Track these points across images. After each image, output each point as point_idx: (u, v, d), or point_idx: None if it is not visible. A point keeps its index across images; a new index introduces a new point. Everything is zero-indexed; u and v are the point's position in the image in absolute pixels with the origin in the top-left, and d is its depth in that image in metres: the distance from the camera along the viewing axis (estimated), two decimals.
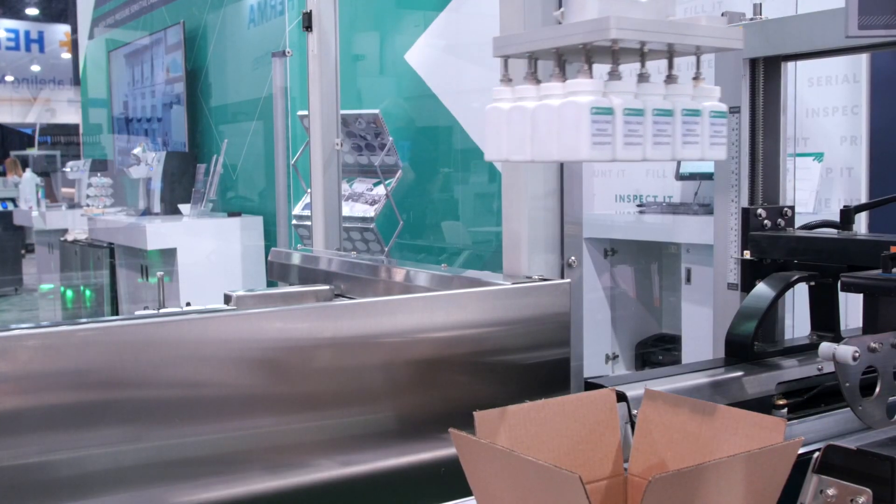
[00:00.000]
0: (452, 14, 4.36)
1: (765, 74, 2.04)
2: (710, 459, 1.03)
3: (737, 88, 2.03)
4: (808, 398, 1.73)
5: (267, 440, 1.65)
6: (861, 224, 2.90)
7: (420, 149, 4.71)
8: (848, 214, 1.92)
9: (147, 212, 6.32)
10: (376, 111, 4.40)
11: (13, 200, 11.28)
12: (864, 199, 3.17)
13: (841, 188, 3.33)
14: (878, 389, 1.42)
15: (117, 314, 6.20)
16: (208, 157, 6.04)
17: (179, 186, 6.18)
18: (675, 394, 1.32)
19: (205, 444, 1.59)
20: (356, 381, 1.73)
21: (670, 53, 1.25)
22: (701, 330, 3.31)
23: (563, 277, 2.01)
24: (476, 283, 1.99)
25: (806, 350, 1.82)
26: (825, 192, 3.36)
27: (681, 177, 3.87)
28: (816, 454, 1.25)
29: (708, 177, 3.61)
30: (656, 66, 1.27)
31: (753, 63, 2.03)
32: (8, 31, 17.95)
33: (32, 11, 18.20)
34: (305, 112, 3.08)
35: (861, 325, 1.53)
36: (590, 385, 1.56)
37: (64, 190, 9.16)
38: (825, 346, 1.41)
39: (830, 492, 1.22)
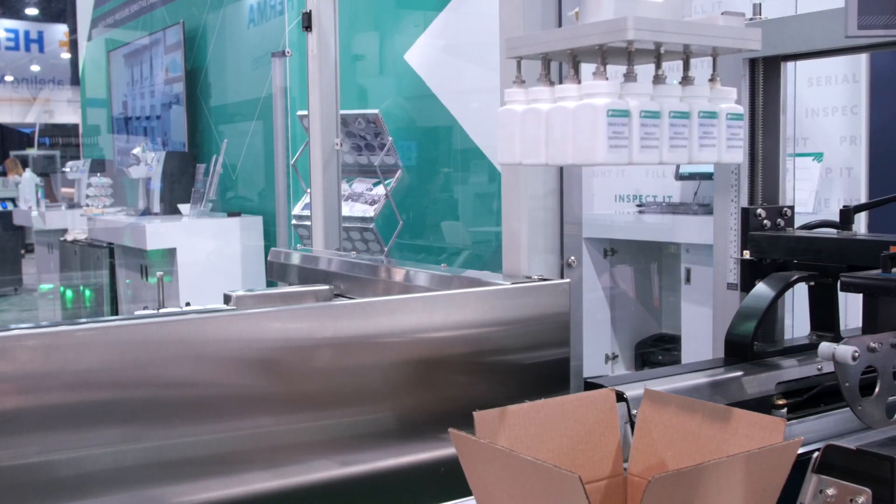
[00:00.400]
0: (452, 14, 4.36)
1: (764, 74, 2.04)
2: (710, 459, 1.03)
3: (736, 88, 2.03)
4: (807, 398, 1.73)
5: (267, 440, 1.65)
6: (861, 224, 2.90)
7: (420, 149, 4.71)
8: (847, 214, 1.92)
9: (147, 212, 6.32)
10: (376, 111, 4.41)
11: (13, 200, 11.28)
12: (863, 199, 3.17)
13: (840, 188, 3.33)
14: (877, 389, 1.43)
15: (117, 314, 6.20)
16: (208, 157, 6.04)
17: (179, 186, 6.18)
18: (674, 394, 1.32)
19: (204, 444, 1.59)
20: (356, 381, 1.73)
21: (686, 54, 1.23)
22: (700, 330, 3.31)
23: (562, 277, 2.01)
24: (476, 283, 1.99)
25: (805, 350, 1.82)
26: (825, 191, 3.36)
27: (680, 177, 3.87)
28: (816, 454, 1.25)
29: (707, 177, 3.61)
30: (669, 67, 1.25)
31: (753, 63, 2.03)
32: (7, 30, 17.95)
33: (32, 11, 18.20)
34: (305, 112, 3.08)
35: (860, 324, 1.54)
36: (589, 385, 1.56)
37: (63, 190, 9.16)
38: (825, 346, 1.41)
39: (830, 492, 1.22)
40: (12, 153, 13.64)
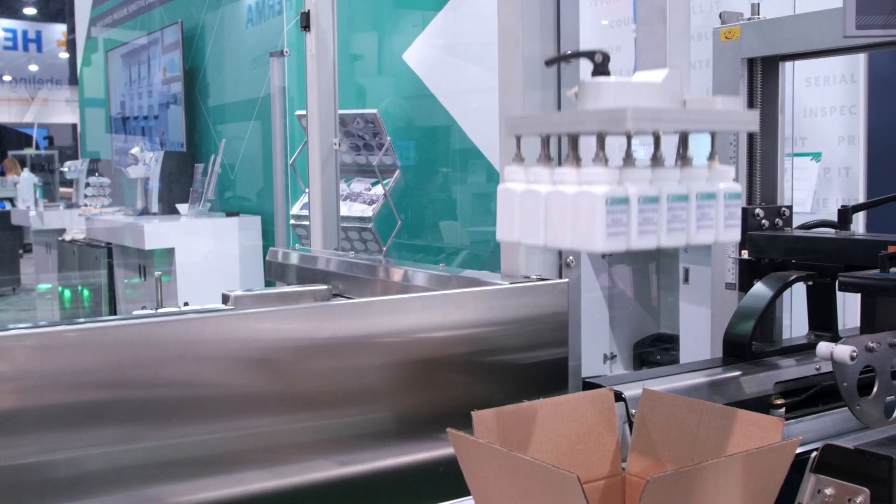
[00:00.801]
0: (450, 14, 4.37)
1: (762, 74, 2.05)
2: (708, 459, 1.03)
3: (735, 88, 2.03)
4: (805, 398, 1.73)
5: (265, 440, 1.65)
6: (859, 224, 2.90)
7: (418, 148, 4.71)
8: (846, 214, 1.92)
9: (145, 211, 6.31)
10: (374, 111, 4.41)
11: (11, 200, 11.28)
12: (861, 198, 3.17)
13: (839, 188, 3.33)
14: (875, 389, 1.43)
15: (115, 314, 6.20)
16: (206, 156, 6.03)
17: (177, 186, 6.18)
18: (672, 393, 1.32)
19: (203, 443, 1.59)
20: (354, 381, 1.73)
21: (684, 135, 1.23)
22: (699, 330, 3.31)
23: (561, 277, 2.01)
24: (474, 282, 1.99)
25: (804, 350, 1.82)
26: (823, 191, 3.36)
27: None
28: (814, 454, 1.25)
29: None
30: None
31: (751, 63, 2.04)
32: (6, 30, 17.96)
33: (30, 11, 18.21)
34: (303, 112, 3.07)
35: (859, 324, 1.54)
36: (588, 385, 1.57)
37: (62, 190, 9.16)
38: (823, 346, 1.41)
39: (828, 491, 1.22)
40: (11, 153, 13.63)
